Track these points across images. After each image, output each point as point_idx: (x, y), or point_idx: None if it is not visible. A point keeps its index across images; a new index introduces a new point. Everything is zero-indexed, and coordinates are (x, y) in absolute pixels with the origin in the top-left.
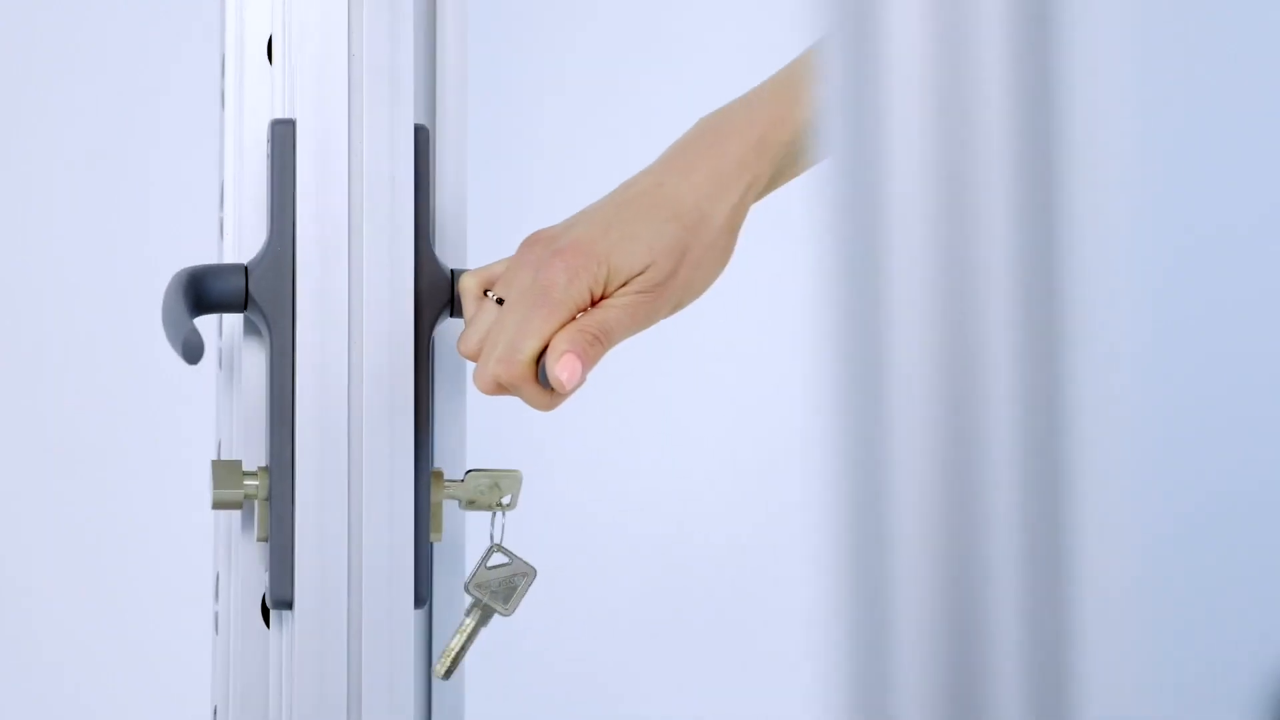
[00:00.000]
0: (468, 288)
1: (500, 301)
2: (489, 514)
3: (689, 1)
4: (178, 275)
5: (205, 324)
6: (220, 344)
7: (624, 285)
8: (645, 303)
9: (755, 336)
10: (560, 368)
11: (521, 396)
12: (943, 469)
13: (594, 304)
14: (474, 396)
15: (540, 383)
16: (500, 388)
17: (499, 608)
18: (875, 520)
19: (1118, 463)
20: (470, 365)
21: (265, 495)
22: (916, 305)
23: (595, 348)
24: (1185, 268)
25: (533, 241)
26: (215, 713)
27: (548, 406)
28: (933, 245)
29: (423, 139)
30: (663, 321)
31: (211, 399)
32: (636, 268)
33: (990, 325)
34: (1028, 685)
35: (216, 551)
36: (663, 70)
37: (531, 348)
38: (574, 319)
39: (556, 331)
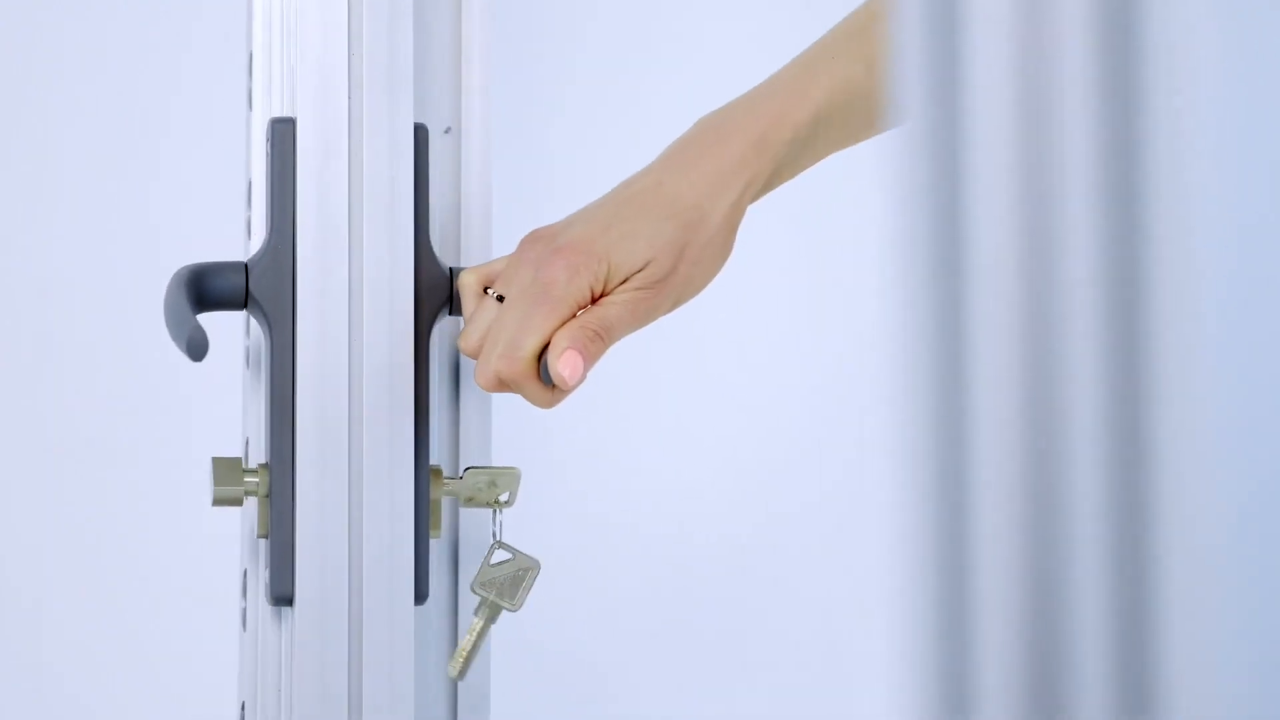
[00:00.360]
0: (467, 285)
1: (500, 299)
2: (488, 512)
3: (703, 2)
4: (178, 274)
5: (234, 323)
6: (247, 342)
7: (624, 282)
8: (646, 299)
9: (757, 333)
10: (562, 364)
11: (523, 394)
12: (1025, 462)
13: (594, 301)
14: (473, 394)
15: (542, 380)
16: (501, 384)
17: (506, 604)
18: (957, 513)
19: (1204, 452)
20: (470, 362)
21: (265, 492)
22: (998, 297)
23: (596, 344)
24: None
25: (533, 239)
26: (243, 709)
27: (549, 403)
28: (1015, 235)
29: (422, 137)
30: (664, 318)
31: (238, 397)
32: (636, 265)
33: (1073, 315)
34: (1112, 679)
35: (243, 549)
36: (676, 69)
37: (533, 345)
38: (575, 316)
39: (558, 329)
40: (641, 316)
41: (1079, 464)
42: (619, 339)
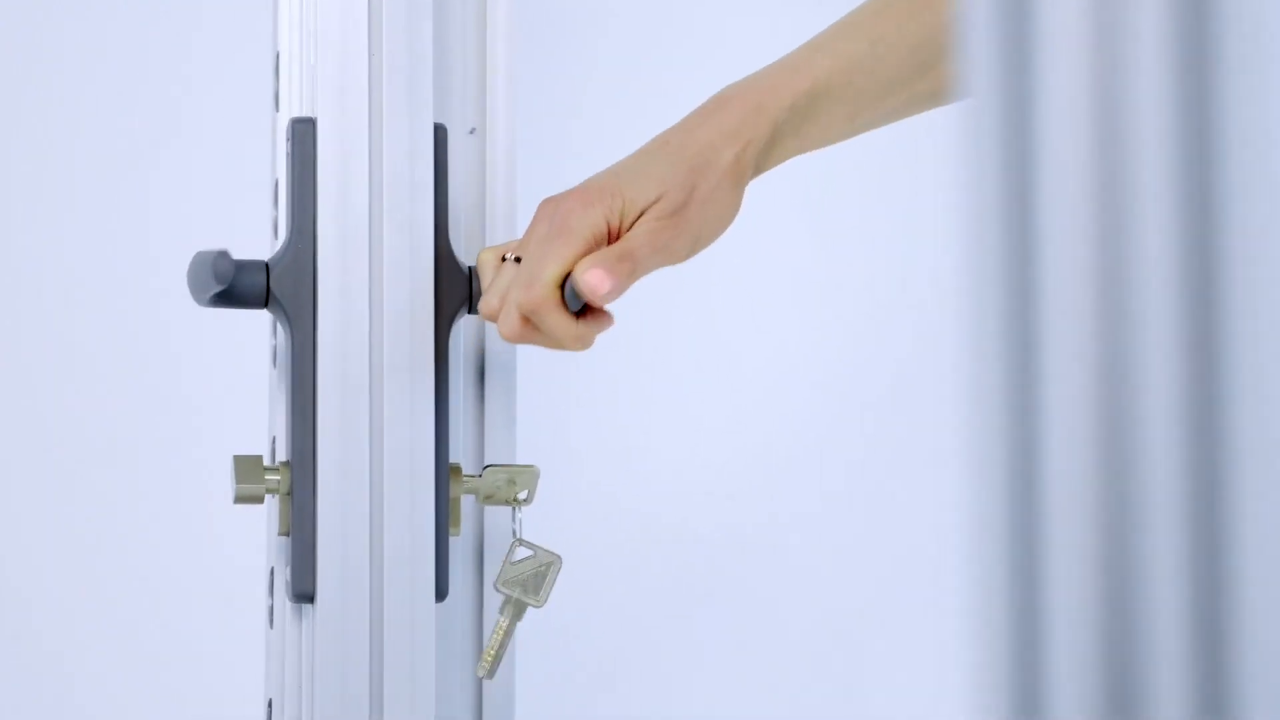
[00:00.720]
0: (485, 260)
1: (519, 260)
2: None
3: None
4: (201, 254)
5: (260, 322)
6: (274, 342)
7: (641, 216)
8: (664, 229)
9: (773, 328)
10: (590, 275)
11: (547, 328)
12: (1099, 457)
13: (612, 238)
14: (497, 392)
15: (567, 308)
16: (525, 325)
17: (530, 600)
18: (1028, 510)
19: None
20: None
21: (287, 490)
22: (1070, 283)
23: (623, 264)
24: None
25: (545, 201)
26: (270, 705)
27: (574, 337)
28: (1088, 221)
29: (441, 137)
30: (680, 312)
31: (262, 396)
32: (650, 197)
33: (1148, 300)
34: (1188, 678)
35: (270, 546)
36: (698, 69)
37: (552, 270)
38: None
39: (578, 257)
40: (662, 248)
41: (1154, 457)
42: (644, 270)
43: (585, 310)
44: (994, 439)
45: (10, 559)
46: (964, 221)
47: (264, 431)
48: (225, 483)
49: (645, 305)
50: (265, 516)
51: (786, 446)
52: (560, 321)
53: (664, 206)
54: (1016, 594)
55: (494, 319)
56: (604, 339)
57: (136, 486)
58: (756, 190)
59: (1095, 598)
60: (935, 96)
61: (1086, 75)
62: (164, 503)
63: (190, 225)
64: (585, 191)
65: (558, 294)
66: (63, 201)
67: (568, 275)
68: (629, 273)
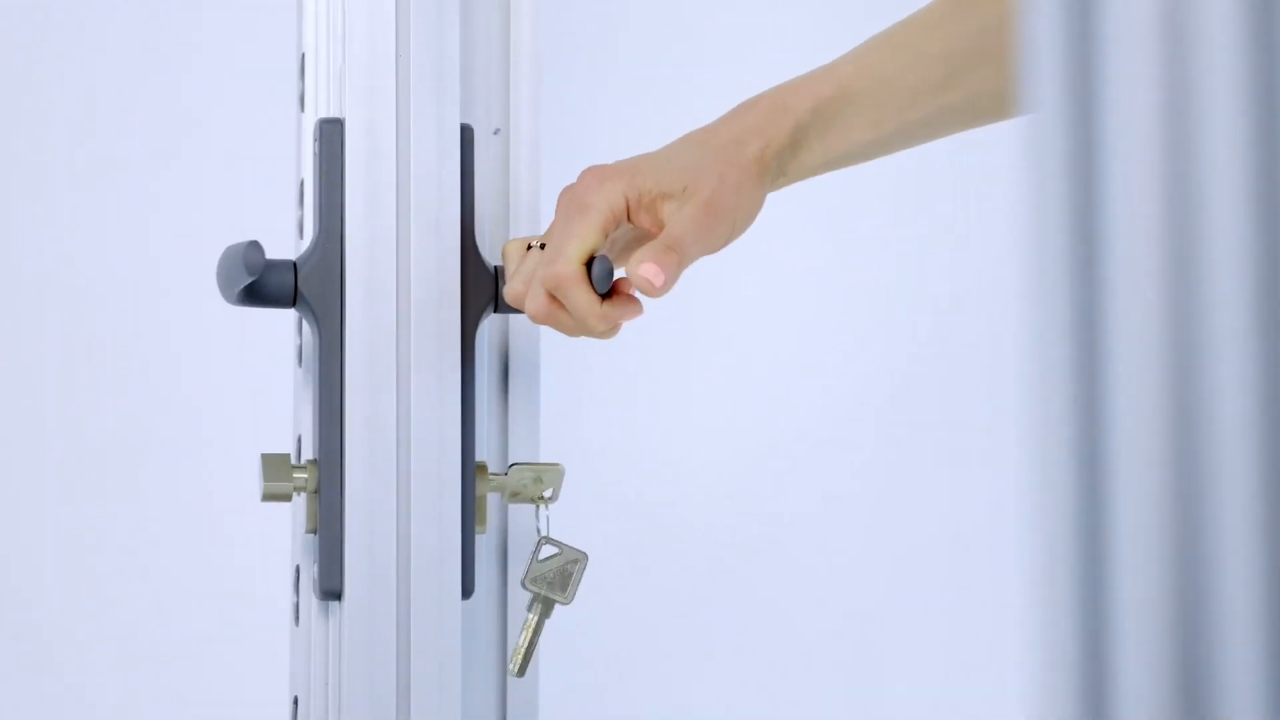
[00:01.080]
0: (511, 251)
1: (543, 247)
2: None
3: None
4: (231, 248)
5: (284, 321)
6: (299, 341)
7: (672, 202)
8: (703, 215)
9: (789, 326)
10: (643, 269)
11: (572, 304)
12: (1168, 462)
13: (630, 215)
14: (521, 391)
15: (594, 289)
16: (552, 303)
17: (558, 597)
18: (1095, 517)
19: None
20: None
21: (314, 488)
22: (1137, 300)
23: (670, 255)
24: None
25: (563, 190)
26: (296, 703)
27: (600, 317)
28: (1155, 235)
29: (468, 138)
30: (699, 308)
31: (285, 395)
32: (674, 185)
33: (1217, 312)
34: (1260, 683)
35: (295, 544)
36: (722, 69)
37: (574, 244)
38: (615, 226)
39: (598, 234)
40: (704, 233)
41: (1224, 459)
42: (690, 259)
43: (611, 293)
44: (1059, 442)
45: (15, 558)
46: (1027, 235)
47: (279, 431)
48: (236, 482)
49: (658, 307)
50: (289, 515)
51: (800, 447)
52: (585, 297)
53: (694, 195)
54: (1083, 595)
55: (520, 302)
56: (618, 340)
57: (149, 486)
58: (771, 195)
59: (1164, 600)
60: (973, 110)
61: (1154, 89)
62: (178, 503)
63: (206, 226)
64: (600, 170)
65: (582, 269)
66: (77, 204)
67: (593, 255)
68: (677, 263)
